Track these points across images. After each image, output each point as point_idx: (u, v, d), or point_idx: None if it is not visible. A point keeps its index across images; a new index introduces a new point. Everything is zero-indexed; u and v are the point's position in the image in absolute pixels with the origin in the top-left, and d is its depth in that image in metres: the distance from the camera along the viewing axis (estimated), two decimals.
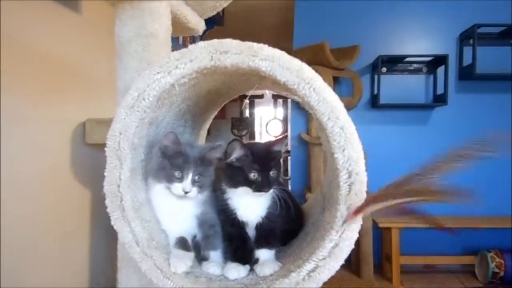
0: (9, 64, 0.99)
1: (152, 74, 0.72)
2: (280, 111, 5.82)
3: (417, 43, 2.99)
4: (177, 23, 1.08)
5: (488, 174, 2.89)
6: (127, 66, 0.95)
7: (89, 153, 1.36)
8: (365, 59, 2.93)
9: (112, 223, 0.75)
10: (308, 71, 0.67)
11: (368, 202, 0.65)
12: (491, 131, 0.57)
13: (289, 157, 3.75)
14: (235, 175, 0.78)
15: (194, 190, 0.76)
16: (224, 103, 1.12)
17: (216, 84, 0.85)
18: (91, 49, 1.42)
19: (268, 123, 5.47)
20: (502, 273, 2.56)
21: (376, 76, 2.93)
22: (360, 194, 0.67)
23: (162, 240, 0.79)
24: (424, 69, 2.98)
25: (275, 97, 5.58)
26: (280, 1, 3.36)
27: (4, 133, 0.98)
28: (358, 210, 0.65)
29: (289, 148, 3.20)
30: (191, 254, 0.77)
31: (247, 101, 5.58)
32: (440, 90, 2.88)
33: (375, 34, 2.99)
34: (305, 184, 3.01)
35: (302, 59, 0.69)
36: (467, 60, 2.84)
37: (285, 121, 5.54)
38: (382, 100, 2.86)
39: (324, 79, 0.68)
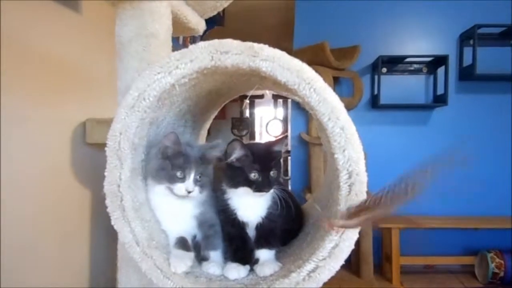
0: (9, 64, 0.99)
1: (153, 74, 0.72)
2: (280, 111, 5.83)
3: (417, 44, 2.99)
4: (177, 23, 1.08)
5: (488, 174, 2.90)
6: (127, 66, 0.95)
7: (89, 153, 1.36)
8: (365, 59, 2.93)
9: (113, 223, 0.75)
10: (308, 72, 0.67)
11: (347, 216, 0.66)
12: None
13: (289, 157, 3.75)
14: (235, 175, 0.78)
15: (196, 189, 0.77)
16: (225, 103, 1.12)
17: (217, 84, 0.85)
18: (91, 49, 1.42)
19: (268, 123, 5.48)
20: (502, 274, 2.56)
21: (376, 77, 2.92)
22: (360, 194, 0.67)
23: (162, 240, 0.79)
24: (424, 70, 2.98)
25: (275, 97, 5.58)
26: (281, 1, 3.36)
27: (4, 133, 0.98)
28: (334, 225, 0.66)
29: (289, 148, 3.20)
30: (191, 254, 0.77)
31: (247, 101, 5.58)
32: (440, 91, 2.88)
33: (376, 34, 2.99)
34: (305, 184, 3.01)
35: (302, 59, 0.69)
36: (467, 60, 2.84)
37: (285, 121, 5.54)
38: (382, 100, 2.86)
39: (325, 79, 0.68)
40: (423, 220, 2.73)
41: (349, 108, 0.91)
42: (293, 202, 0.85)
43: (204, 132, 1.15)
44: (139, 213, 0.76)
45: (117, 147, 0.74)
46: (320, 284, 0.68)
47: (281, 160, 0.84)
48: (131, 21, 0.94)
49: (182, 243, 0.79)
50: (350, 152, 0.66)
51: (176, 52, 0.72)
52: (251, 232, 0.81)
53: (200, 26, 1.22)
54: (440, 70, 2.88)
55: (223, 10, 1.26)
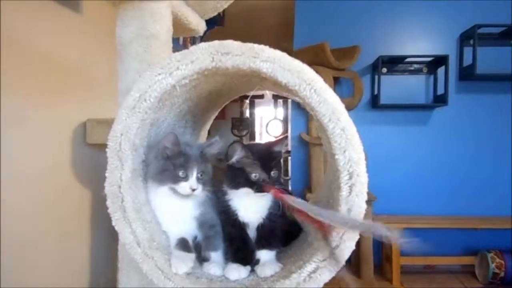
0: (9, 64, 0.99)
1: (154, 75, 0.72)
2: (280, 111, 5.83)
3: (418, 44, 2.99)
4: (178, 24, 1.08)
5: (488, 174, 2.90)
6: (128, 67, 0.95)
7: (89, 153, 1.36)
8: (365, 59, 2.93)
9: (113, 224, 0.75)
10: (309, 73, 0.67)
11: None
12: None
13: (289, 157, 3.75)
14: (236, 176, 0.78)
15: (199, 187, 0.77)
16: (225, 103, 1.12)
17: (217, 85, 0.85)
18: (91, 49, 1.42)
19: (268, 123, 5.48)
20: (502, 274, 2.56)
21: (376, 77, 2.93)
22: (361, 195, 0.67)
23: (163, 241, 0.79)
24: (425, 70, 2.98)
25: (276, 97, 5.59)
26: (281, 1, 3.36)
27: (4, 133, 0.98)
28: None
29: (289, 148, 3.20)
30: (192, 255, 0.77)
31: (247, 101, 5.58)
32: (440, 91, 2.88)
33: (376, 34, 2.99)
34: (305, 185, 3.01)
35: (302, 60, 0.69)
36: (467, 60, 2.84)
37: (285, 121, 5.55)
38: (383, 100, 2.86)
39: (325, 80, 0.68)
40: (423, 220, 2.73)
41: (349, 108, 0.91)
42: None
43: (204, 133, 1.16)
44: (140, 214, 0.76)
45: (118, 148, 0.75)
46: (321, 285, 0.68)
47: (281, 160, 0.84)
48: (131, 22, 0.94)
49: (183, 244, 0.79)
50: (351, 153, 0.66)
51: (176, 53, 0.72)
52: (251, 232, 0.81)
53: (200, 26, 1.22)
54: (440, 70, 2.88)
55: (223, 11, 1.26)
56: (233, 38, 0.72)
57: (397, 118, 3.00)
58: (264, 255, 0.79)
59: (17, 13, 1.04)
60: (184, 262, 0.74)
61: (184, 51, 0.72)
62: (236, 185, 0.78)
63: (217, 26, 2.81)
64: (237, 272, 0.76)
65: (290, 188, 3.04)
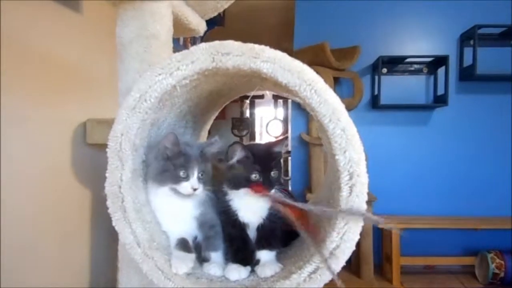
0: (9, 64, 0.99)
1: (154, 76, 0.72)
2: (280, 112, 5.83)
3: (418, 44, 2.99)
4: (178, 24, 1.08)
5: (488, 174, 2.90)
6: (128, 67, 0.95)
7: (89, 153, 1.36)
8: (365, 59, 2.93)
9: (114, 224, 0.75)
10: (309, 73, 0.67)
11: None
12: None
13: (289, 158, 3.75)
14: (236, 176, 0.78)
15: (200, 187, 0.77)
16: (225, 104, 1.12)
17: (218, 85, 0.85)
18: (91, 49, 1.42)
19: (268, 123, 5.48)
20: (502, 274, 2.56)
21: (376, 77, 2.93)
22: (361, 196, 0.67)
23: (163, 241, 0.79)
24: (425, 70, 2.98)
25: (276, 98, 5.59)
26: (281, 1, 3.36)
27: (4, 133, 0.98)
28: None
29: (289, 148, 3.20)
30: (192, 255, 0.77)
31: (247, 101, 5.58)
32: (440, 91, 2.88)
33: (376, 34, 2.99)
34: (305, 185, 3.01)
35: (302, 60, 0.69)
36: (467, 61, 2.84)
37: (285, 121, 5.55)
38: (383, 100, 2.86)
39: (325, 80, 0.68)
40: (424, 220, 2.74)
41: (349, 108, 0.91)
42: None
43: (204, 133, 1.16)
44: (140, 214, 0.76)
45: (118, 148, 0.75)
46: (321, 285, 0.68)
47: (282, 161, 0.84)
48: (132, 22, 0.94)
49: (183, 244, 0.79)
50: (351, 153, 0.66)
51: (177, 54, 0.72)
52: (252, 233, 0.81)
53: (200, 27, 1.22)
54: (441, 71, 2.88)
55: (224, 11, 1.26)
56: (234, 38, 0.72)
57: (397, 118, 3.00)
58: (264, 256, 0.79)
59: (17, 13, 1.04)
60: (184, 263, 0.74)
61: (185, 52, 0.72)
62: (236, 186, 0.78)
63: (218, 26, 2.81)
64: (237, 272, 0.76)
65: (290, 188, 3.04)
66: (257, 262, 0.79)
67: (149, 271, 0.74)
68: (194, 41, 2.59)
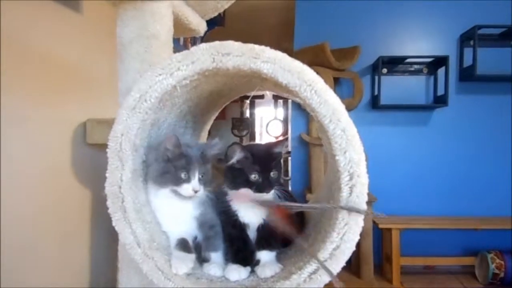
0: (9, 64, 0.99)
1: (154, 76, 0.72)
2: (280, 112, 5.83)
3: (418, 44, 2.99)
4: (178, 24, 1.08)
5: (488, 174, 2.90)
6: (128, 67, 0.95)
7: (89, 153, 1.36)
8: (365, 60, 2.93)
9: (114, 224, 0.75)
10: (309, 73, 0.67)
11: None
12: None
13: (289, 158, 3.75)
14: (236, 176, 0.78)
15: (201, 188, 0.78)
16: (225, 104, 1.12)
17: (218, 86, 0.85)
18: (91, 49, 1.42)
19: (268, 123, 5.47)
20: (502, 274, 2.56)
21: (376, 77, 2.93)
22: (361, 196, 0.67)
23: (163, 242, 0.79)
24: (425, 70, 2.98)
25: (276, 98, 5.59)
26: (281, 1, 3.36)
27: (4, 133, 0.98)
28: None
29: (289, 148, 3.20)
30: (192, 256, 0.77)
31: (247, 101, 5.58)
32: (440, 91, 2.88)
33: (376, 35, 2.99)
34: (305, 185, 3.01)
35: (303, 60, 0.69)
36: (467, 61, 2.84)
37: (285, 121, 5.55)
38: (383, 101, 2.86)
39: (325, 80, 0.68)
40: (424, 220, 2.74)
41: (349, 108, 0.91)
42: None
43: (204, 134, 1.16)
44: (140, 215, 0.76)
45: (119, 148, 0.75)
46: (321, 286, 0.68)
47: (282, 161, 0.84)
48: (132, 22, 0.94)
49: (183, 245, 0.79)
50: (351, 154, 0.66)
51: (177, 54, 0.72)
52: (252, 233, 0.81)
53: (201, 27, 1.22)
54: (441, 71, 2.88)
55: (224, 11, 1.26)
56: (234, 38, 0.72)
57: (397, 118, 3.00)
58: (264, 256, 0.79)
59: (17, 13, 1.04)
60: (184, 263, 0.74)
61: (185, 52, 0.72)
62: (236, 186, 0.78)
63: (218, 26, 2.81)
64: (237, 272, 0.76)
65: (290, 188, 3.04)
66: (257, 262, 0.79)
67: (149, 271, 0.74)
68: (194, 41, 2.59)
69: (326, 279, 0.68)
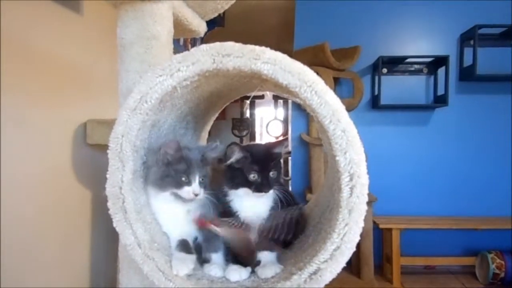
0: (9, 64, 0.99)
1: (155, 77, 0.72)
2: (280, 112, 5.83)
3: (418, 44, 2.99)
4: (178, 25, 1.09)
5: (489, 174, 2.90)
6: (128, 68, 0.95)
7: (90, 153, 1.36)
8: (365, 60, 2.93)
9: (114, 225, 0.76)
10: (309, 74, 0.67)
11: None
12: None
13: (289, 158, 3.75)
14: (235, 176, 0.78)
15: (202, 191, 0.78)
16: (226, 104, 1.12)
17: (218, 87, 0.85)
18: (92, 50, 1.42)
19: (268, 123, 5.47)
20: (502, 274, 2.56)
21: (376, 77, 2.93)
22: (361, 196, 0.67)
23: (163, 242, 0.79)
24: (425, 70, 2.98)
25: (276, 98, 5.59)
26: (281, 2, 3.36)
27: (4, 133, 0.98)
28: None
29: (289, 149, 3.20)
30: (193, 257, 0.77)
31: (248, 102, 5.58)
32: (440, 91, 2.88)
33: (376, 35, 2.99)
34: (305, 185, 3.02)
35: (303, 60, 0.69)
36: (467, 61, 2.84)
37: (285, 121, 5.54)
38: (383, 101, 2.86)
39: (325, 80, 0.69)
40: (424, 221, 2.74)
41: (349, 108, 0.91)
42: (294, 204, 0.85)
43: (205, 134, 1.16)
44: (141, 215, 0.77)
45: (119, 149, 0.75)
46: (322, 286, 0.68)
47: (281, 161, 0.84)
48: (132, 23, 0.94)
49: (183, 246, 0.79)
50: (352, 154, 0.66)
51: (178, 55, 0.72)
52: (252, 234, 0.81)
53: (201, 27, 1.22)
54: (441, 71, 2.89)
55: (224, 11, 1.26)
56: (234, 38, 0.72)
57: (397, 118, 3.00)
58: (265, 257, 0.79)
59: (17, 13, 1.04)
60: (185, 264, 0.74)
61: (185, 53, 0.72)
62: (235, 185, 0.78)
63: (218, 27, 2.81)
64: (238, 273, 0.76)
65: (290, 188, 3.04)
66: (258, 263, 0.79)
67: (149, 272, 0.74)
68: (194, 41, 2.60)
69: (327, 279, 0.68)
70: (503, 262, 2.58)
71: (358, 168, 0.66)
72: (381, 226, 2.65)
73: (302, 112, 3.03)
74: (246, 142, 5.32)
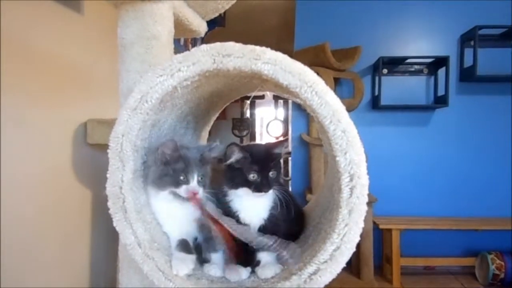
0: (9, 64, 0.99)
1: (155, 77, 0.73)
2: (280, 112, 5.82)
3: (418, 45, 2.99)
4: (179, 25, 1.09)
5: (489, 175, 2.90)
6: (129, 68, 0.95)
7: (90, 153, 1.36)
8: (366, 60, 2.93)
9: (115, 224, 0.76)
10: (310, 75, 0.68)
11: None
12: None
13: (289, 158, 3.75)
14: (235, 176, 0.78)
15: (200, 190, 0.78)
16: (226, 105, 1.12)
17: (218, 87, 0.85)
18: (92, 49, 1.42)
19: (268, 123, 5.46)
20: (502, 275, 2.56)
21: (377, 77, 2.93)
22: (361, 197, 0.67)
23: (163, 242, 0.79)
24: (425, 71, 2.98)
25: (276, 98, 5.58)
26: (282, 2, 3.37)
27: (4, 133, 0.98)
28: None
29: (289, 149, 3.20)
30: (193, 257, 0.78)
31: (248, 102, 5.58)
32: (441, 92, 2.88)
33: (376, 35, 2.99)
34: (305, 185, 3.02)
35: (303, 60, 0.69)
36: (468, 61, 2.84)
37: (285, 121, 5.54)
38: (383, 101, 2.86)
39: (325, 80, 0.69)
40: (424, 221, 2.74)
41: (349, 109, 0.91)
42: (294, 204, 0.85)
43: (205, 134, 1.16)
44: (141, 215, 0.77)
45: (119, 149, 0.75)
46: (322, 286, 0.69)
47: (281, 161, 0.84)
48: (133, 23, 0.94)
49: (183, 246, 0.79)
50: (352, 154, 0.66)
51: (178, 55, 0.73)
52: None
53: (201, 27, 1.22)
54: (441, 71, 2.89)
55: (224, 11, 1.26)
56: (234, 38, 0.72)
57: (398, 119, 3.00)
58: (265, 257, 0.79)
59: (17, 13, 1.04)
60: (185, 264, 0.75)
61: (186, 53, 0.72)
62: (235, 185, 0.78)
63: (218, 27, 2.81)
64: (238, 273, 0.76)
65: (290, 188, 3.04)
66: (258, 263, 0.79)
67: (149, 271, 0.74)
68: (195, 41, 2.60)
69: (326, 279, 0.68)
70: (503, 263, 2.58)
71: (358, 168, 0.67)
72: (381, 226, 2.65)
73: (302, 112, 3.03)
74: (246, 142, 5.31)
